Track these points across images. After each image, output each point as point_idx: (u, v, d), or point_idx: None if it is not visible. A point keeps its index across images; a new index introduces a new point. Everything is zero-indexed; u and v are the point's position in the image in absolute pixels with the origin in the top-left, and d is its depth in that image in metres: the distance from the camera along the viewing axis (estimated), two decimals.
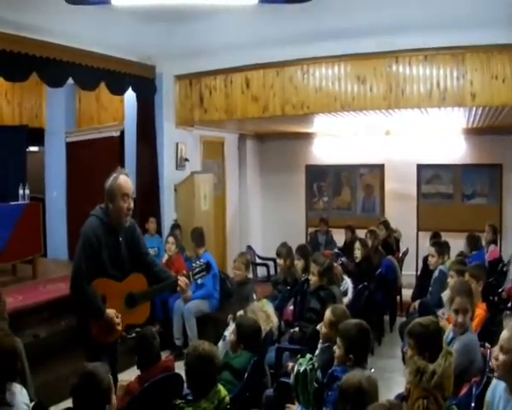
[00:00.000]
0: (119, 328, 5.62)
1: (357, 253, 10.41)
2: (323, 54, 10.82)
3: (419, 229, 14.71)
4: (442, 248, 9.71)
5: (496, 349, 4.35)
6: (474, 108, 11.04)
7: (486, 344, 6.14)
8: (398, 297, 11.98)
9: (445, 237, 11.66)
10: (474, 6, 9.46)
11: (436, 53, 10.17)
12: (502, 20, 9.37)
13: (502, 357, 4.19)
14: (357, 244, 10.53)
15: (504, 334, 4.27)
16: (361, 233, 12.12)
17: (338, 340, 5.26)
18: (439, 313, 7.28)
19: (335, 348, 5.30)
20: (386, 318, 11.12)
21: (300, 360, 5.56)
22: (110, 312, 5.54)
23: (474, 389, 5.05)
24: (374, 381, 4.36)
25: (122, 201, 5.66)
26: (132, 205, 5.80)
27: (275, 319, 7.33)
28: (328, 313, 6.04)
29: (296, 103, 11.25)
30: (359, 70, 10.69)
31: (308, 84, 11.13)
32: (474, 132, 14.68)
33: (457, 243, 11.35)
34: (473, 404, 4.87)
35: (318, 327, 6.16)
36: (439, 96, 10.23)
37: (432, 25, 9.74)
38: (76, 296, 5.62)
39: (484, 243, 11.82)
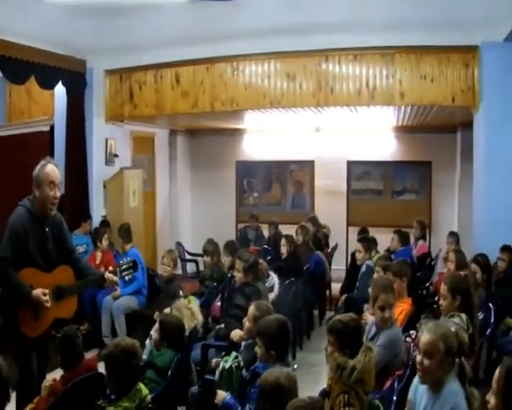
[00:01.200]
0: (48, 305, 5.53)
1: (283, 249, 10.43)
2: (253, 51, 10.81)
3: (349, 224, 14.88)
4: (369, 243, 9.81)
5: (418, 354, 4.37)
6: (403, 107, 11.20)
7: (407, 339, 6.23)
8: (328, 292, 12.07)
9: (375, 232, 11.79)
10: (404, 8, 9.58)
11: (366, 52, 10.29)
12: (431, 21, 9.55)
13: (427, 362, 4.23)
14: (283, 241, 10.56)
15: (426, 338, 4.30)
16: (291, 229, 12.13)
17: (257, 339, 5.24)
18: (365, 307, 7.33)
19: (256, 348, 5.28)
20: (316, 312, 11.18)
21: (226, 357, 5.53)
22: (36, 291, 5.47)
23: (396, 384, 5.07)
24: (293, 377, 4.35)
25: (48, 188, 5.63)
26: (58, 194, 5.77)
27: (199, 317, 7.25)
28: (252, 309, 6.01)
29: (225, 100, 11.21)
30: (289, 67, 10.72)
31: (238, 81, 11.11)
32: (404, 130, 14.96)
33: (388, 239, 11.46)
34: (394, 398, 4.90)
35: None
36: (368, 95, 10.34)
37: (362, 25, 9.85)
38: (1, 282, 5.55)
39: (413, 238, 11.99)
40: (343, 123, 14.32)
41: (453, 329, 4.55)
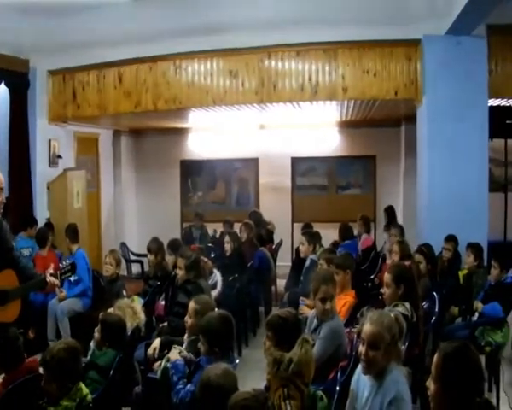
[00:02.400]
0: None
1: (227, 246, 10.40)
2: (196, 49, 10.78)
3: (294, 221, 14.96)
4: (313, 237, 9.81)
5: (361, 345, 4.36)
6: (347, 102, 11.28)
7: (352, 329, 6.24)
8: (274, 288, 12.07)
9: (320, 227, 11.78)
10: (346, 3, 9.67)
11: (308, 48, 10.34)
12: (373, 16, 9.67)
13: (372, 353, 4.23)
14: (227, 238, 10.52)
15: (370, 329, 4.30)
16: (236, 227, 12.13)
17: (201, 336, 5.20)
18: (300, 299, 7.33)
19: (199, 344, 5.25)
20: (262, 309, 11.17)
21: (168, 355, 5.49)
22: None
23: (339, 374, 5.07)
24: (232, 374, 4.31)
25: None
26: (3, 198, 5.71)
27: (142, 315, 7.19)
28: (191, 304, 5.98)
29: (168, 98, 11.17)
30: (232, 65, 10.72)
31: (180, 80, 11.08)
32: (348, 125, 15.06)
33: (333, 234, 11.52)
34: (337, 388, 4.90)
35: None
36: (311, 91, 10.40)
37: (304, 21, 9.92)
38: None
39: (357, 233, 12.08)
40: (287, 120, 14.32)
41: (392, 315, 4.57)
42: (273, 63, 10.52)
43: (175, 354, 5.41)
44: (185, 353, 5.47)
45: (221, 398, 3.90)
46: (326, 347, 5.56)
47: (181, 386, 5.00)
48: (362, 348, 4.31)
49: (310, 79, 10.35)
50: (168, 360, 5.36)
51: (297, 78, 10.43)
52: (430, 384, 3.58)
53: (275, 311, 9.65)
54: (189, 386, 4.97)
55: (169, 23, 10.51)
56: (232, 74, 10.70)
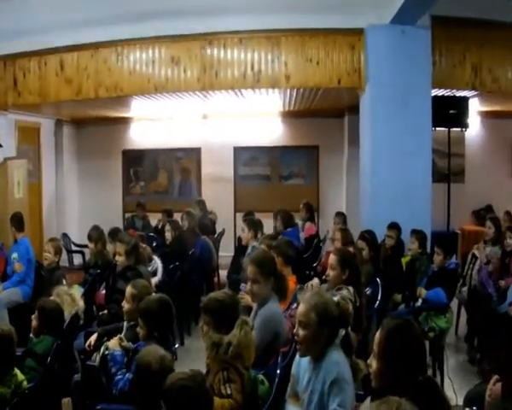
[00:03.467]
0: None
1: (168, 235, 10.32)
2: (138, 36, 10.62)
3: (236, 210, 15.00)
4: (254, 223, 9.78)
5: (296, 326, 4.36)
6: (289, 91, 11.31)
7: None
8: (216, 278, 12.03)
9: (263, 217, 11.75)
10: None
11: (251, 36, 10.29)
12: (317, 4, 9.67)
13: (302, 332, 4.23)
14: (168, 226, 10.45)
15: (301, 308, 4.30)
16: (179, 217, 12.03)
17: (140, 320, 5.15)
18: (241, 286, 7.29)
19: (138, 329, 5.18)
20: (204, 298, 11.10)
21: (107, 343, 5.41)
22: None
23: (279, 360, 5.03)
24: (168, 358, 4.26)
25: None
26: None
27: (81, 303, 7.06)
28: (128, 288, 5.96)
29: (110, 86, 10.99)
30: (173, 52, 10.59)
31: (122, 67, 10.90)
32: (291, 115, 15.14)
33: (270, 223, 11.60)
34: (278, 371, 4.86)
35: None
36: (254, 78, 10.36)
37: (248, 8, 9.86)
38: None
39: (300, 220, 12.13)
40: (230, 109, 14.30)
41: (336, 299, 4.55)
42: (215, 50, 10.44)
43: (114, 342, 5.33)
44: (125, 342, 5.38)
45: (157, 380, 3.84)
46: (262, 336, 5.40)
47: (120, 376, 4.94)
48: (296, 328, 4.32)
49: (252, 66, 10.31)
50: (107, 348, 5.28)
51: (239, 65, 10.37)
52: (372, 362, 3.59)
53: None
54: (127, 375, 4.90)
55: (111, 9, 10.29)
56: (174, 61, 10.58)
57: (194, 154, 15.75)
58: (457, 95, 11.39)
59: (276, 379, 4.78)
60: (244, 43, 10.33)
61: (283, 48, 10.21)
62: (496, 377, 5.03)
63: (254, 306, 6.04)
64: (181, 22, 10.17)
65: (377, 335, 3.59)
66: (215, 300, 4.86)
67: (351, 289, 5.85)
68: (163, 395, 3.54)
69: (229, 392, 4.36)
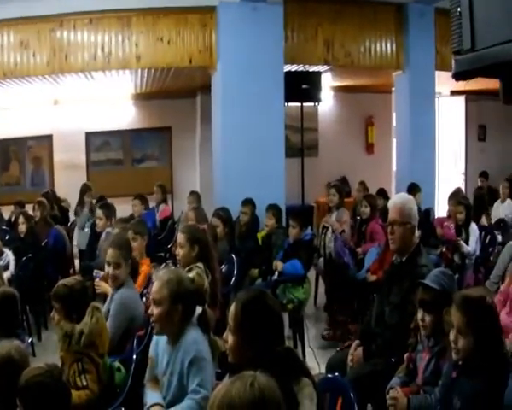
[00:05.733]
0: None
1: (22, 227, 9.87)
2: None
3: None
4: (109, 210, 9.53)
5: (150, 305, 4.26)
6: (140, 71, 11.12)
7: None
8: (72, 268, 11.63)
9: (117, 202, 11.52)
10: None
11: (102, 16, 9.97)
12: None
13: (156, 310, 4.11)
14: (21, 218, 9.99)
15: (154, 286, 4.20)
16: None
17: None
18: (95, 272, 7.02)
19: None
20: None
21: None
22: None
23: (135, 344, 4.86)
24: (23, 351, 3.99)
25: None
26: None
27: None
28: None
29: None
30: (22, 36, 10.04)
31: None
32: (143, 97, 14.91)
33: (131, 208, 11.27)
34: (134, 356, 4.72)
35: None
36: (104, 60, 10.09)
37: None
38: None
39: (155, 203, 11.97)
40: (81, 93, 13.86)
41: (191, 275, 4.43)
42: (65, 33, 10.00)
43: None
44: None
45: (14, 373, 3.56)
46: (118, 322, 5.22)
47: None
48: (150, 309, 4.21)
49: (103, 48, 10.00)
50: None
51: (89, 47, 10.02)
52: (228, 337, 3.43)
53: None
54: None
55: None
56: (23, 45, 10.05)
57: (45, 141, 15.09)
58: (310, 70, 11.50)
59: (133, 365, 4.64)
60: (94, 23, 9.98)
61: (134, 28, 9.97)
62: (356, 342, 5.17)
63: (110, 291, 5.80)
64: (30, 4, 9.64)
65: (231, 308, 3.46)
66: (64, 286, 4.62)
67: (200, 265, 5.67)
68: (19, 393, 3.32)
69: (84, 383, 4.24)
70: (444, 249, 8.74)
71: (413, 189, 10.14)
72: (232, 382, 2.38)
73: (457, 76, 2.03)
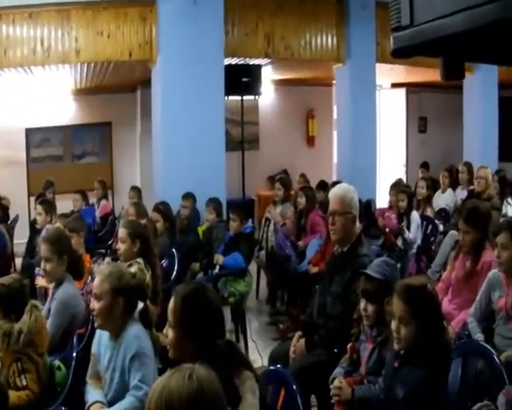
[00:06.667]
0: None
1: None
2: None
3: (30, 194, 14.35)
4: (49, 206, 9.41)
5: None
6: (80, 66, 10.97)
7: None
8: (13, 268, 11.44)
9: (58, 198, 11.49)
10: None
11: (41, 10, 9.74)
12: None
13: (97, 305, 4.06)
14: None
15: (95, 281, 4.16)
16: None
17: None
18: (36, 270, 6.93)
19: None
20: None
21: None
22: None
23: (75, 342, 4.76)
24: None
25: None
26: None
27: None
28: None
29: None
30: None
31: None
32: (83, 93, 14.76)
33: (71, 204, 11.22)
34: (74, 354, 4.63)
35: None
36: (43, 54, 9.85)
37: None
38: None
39: (96, 199, 11.91)
40: (20, 89, 13.64)
41: (133, 270, 4.47)
42: (4, 27, 9.75)
43: None
44: None
45: None
46: (60, 321, 5.13)
47: None
48: (91, 304, 4.17)
49: (42, 42, 9.79)
50: None
51: (28, 41, 9.79)
52: (168, 332, 3.41)
53: None
54: None
55: None
56: None
57: None
58: (250, 63, 11.53)
59: (73, 363, 4.56)
60: (34, 17, 9.77)
61: (74, 22, 9.79)
62: (298, 333, 5.20)
63: (51, 288, 5.70)
64: None
65: (171, 303, 3.43)
66: (1, 285, 4.53)
67: (140, 260, 5.62)
68: None
69: (24, 383, 4.18)
70: (387, 232, 8.91)
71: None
72: (170, 375, 2.36)
73: (396, 53, 2.00)
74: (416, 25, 1.86)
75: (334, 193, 5.38)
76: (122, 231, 5.93)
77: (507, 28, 1.67)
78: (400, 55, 2.07)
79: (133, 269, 4.47)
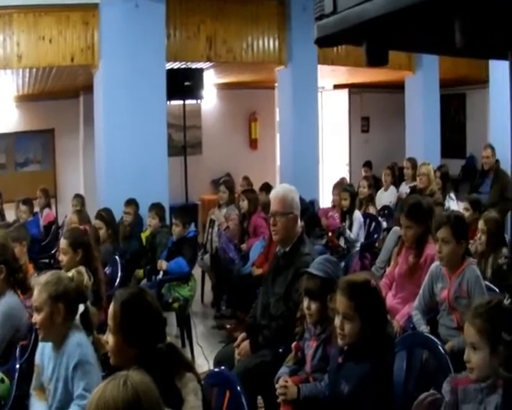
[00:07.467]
0: None
1: None
2: None
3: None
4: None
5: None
6: (22, 71, 10.85)
7: None
8: None
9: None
10: None
11: None
12: None
13: (38, 317, 3.99)
14: None
15: (34, 293, 4.07)
16: None
17: None
18: None
19: None
20: None
21: None
22: None
23: (18, 354, 4.74)
24: None
25: None
26: None
27: None
28: None
29: None
30: None
31: None
32: (26, 99, 14.55)
33: (13, 213, 11.10)
34: (17, 366, 4.61)
35: None
36: None
37: None
38: None
39: (38, 208, 11.70)
40: None
41: (70, 274, 4.38)
42: None
43: None
44: None
45: None
46: (2, 334, 4.95)
47: None
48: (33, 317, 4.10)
49: None
50: None
51: None
52: (108, 338, 3.39)
53: None
54: None
55: None
56: None
57: None
58: (193, 67, 11.54)
59: (16, 375, 4.53)
60: None
61: (15, 26, 9.63)
62: (242, 335, 5.21)
63: None
64: None
65: (110, 308, 3.41)
66: None
67: (82, 268, 5.54)
68: None
69: None
70: (330, 234, 8.98)
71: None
72: (106, 383, 2.36)
73: (320, 42, 2.02)
74: (339, 11, 1.89)
75: (274, 194, 5.43)
76: (63, 243, 5.85)
77: (428, 11, 1.70)
78: (324, 43, 2.09)
79: (70, 273, 4.42)
